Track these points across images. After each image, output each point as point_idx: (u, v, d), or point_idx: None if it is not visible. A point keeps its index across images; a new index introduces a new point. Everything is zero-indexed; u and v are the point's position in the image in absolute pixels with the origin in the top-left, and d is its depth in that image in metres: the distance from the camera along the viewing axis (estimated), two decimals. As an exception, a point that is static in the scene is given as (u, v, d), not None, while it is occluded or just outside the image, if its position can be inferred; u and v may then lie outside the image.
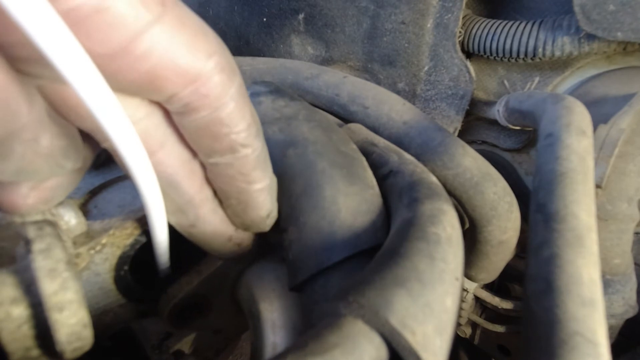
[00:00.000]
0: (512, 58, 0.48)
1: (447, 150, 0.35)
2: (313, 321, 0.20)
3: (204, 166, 0.22)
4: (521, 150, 0.56)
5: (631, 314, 0.41)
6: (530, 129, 0.51)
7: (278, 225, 0.27)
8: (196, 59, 0.18)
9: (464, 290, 0.52)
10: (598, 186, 0.36)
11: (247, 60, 0.48)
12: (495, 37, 0.48)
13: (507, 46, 0.47)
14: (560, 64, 0.49)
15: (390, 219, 0.27)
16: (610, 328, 0.41)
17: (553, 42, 0.44)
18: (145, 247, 0.27)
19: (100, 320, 0.27)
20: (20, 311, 0.20)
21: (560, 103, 0.33)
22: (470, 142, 0.59)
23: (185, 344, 0.34)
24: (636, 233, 0.43)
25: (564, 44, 0.44)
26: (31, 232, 0.21)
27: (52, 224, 0.22)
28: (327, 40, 0.60)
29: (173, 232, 0.25)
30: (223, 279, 0.30)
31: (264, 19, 0.65)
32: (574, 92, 0.49)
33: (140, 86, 0.18)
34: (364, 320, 0.18)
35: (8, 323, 0.20)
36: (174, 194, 0.22)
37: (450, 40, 0.50)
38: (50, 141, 0.18)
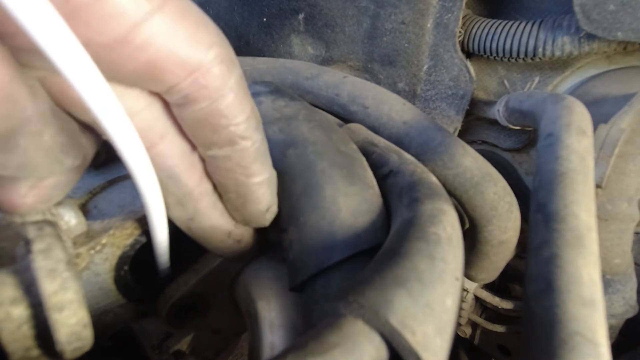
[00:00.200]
0: (512, 58, 0.48)
1: (447, 150, 0.35)
2: (313, 321, 0.20)
3: (203, 159, 0.22)
4: (521, 150, 0.56)
5: (631, 313, 0.41)
6: (531, 128, 0.51)
7: (278, 224, 0.27)
8: (196, 49, 0.18)
9: (464, 290, 0.52)
10: (598, 186, 0.36)
11: (247, 60, 0.48)
12: (495, 37, 0.48)
13: (507, 46, 0.47)
14: (561, 64, 0.49)
15: (390, 219, 0.27)
16: (611, 328, 0.41)
17: (553, 42, 0.44)
18: (145, 247, 0.27)
19: (100, 320, 0.27)
20: (20, 311, 0.20)
21: (561, 103, 0.33)
22: (471, 142, 0.59)
23: (185, 344, 0.34)
24: (636, 233, 0.43)
25: (564, 44, 0.44)
26: (31, 232, 0.20)
27: (52, 224, 0.22)
28: (327, 40, 0.60)
29: (173, 231, 0.24)
30: (221, 278, 0.30)
31: (264, 19, 0.65)
32: (574, 92, 0.49)
33: (139, 76, 0.18)
34: (364, 320, 0.18)
35: (8, 323, 0.20)
36: (173, 186, 0.22)
37: (450, 40, 0.50)
38: (53, 136, 0.18)
